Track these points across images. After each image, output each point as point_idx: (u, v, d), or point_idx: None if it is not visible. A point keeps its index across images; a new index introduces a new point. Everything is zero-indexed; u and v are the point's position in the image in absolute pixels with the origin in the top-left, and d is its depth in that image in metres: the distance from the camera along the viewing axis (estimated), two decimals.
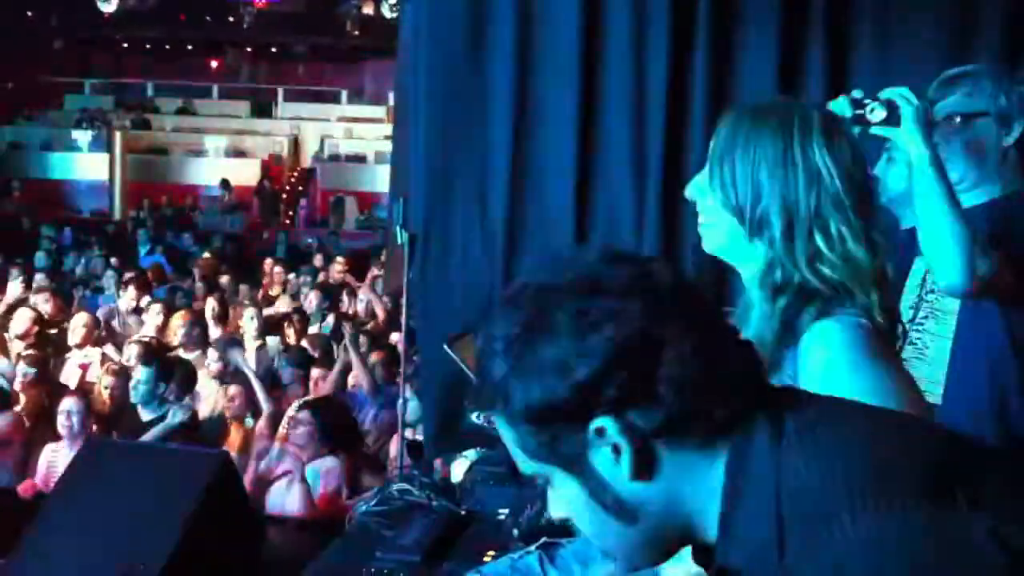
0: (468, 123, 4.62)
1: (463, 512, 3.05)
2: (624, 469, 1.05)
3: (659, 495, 1.07)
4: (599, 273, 1.07)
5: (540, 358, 1.04)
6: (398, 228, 4.72)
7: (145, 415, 5.45)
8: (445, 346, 3.83)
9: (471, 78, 4.57)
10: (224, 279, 11.01)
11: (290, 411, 5.92)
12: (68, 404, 5.51)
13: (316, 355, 7.15)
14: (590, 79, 4.50)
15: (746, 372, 1.10)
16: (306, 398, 6.13)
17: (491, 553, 2.55)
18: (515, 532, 2.76)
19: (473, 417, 3.90)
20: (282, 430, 5.86)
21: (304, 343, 7.57)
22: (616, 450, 1.04)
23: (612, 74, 4.50)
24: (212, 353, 6.71)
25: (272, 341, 7.73)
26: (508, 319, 1.08)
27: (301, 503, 5.06)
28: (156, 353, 6.27)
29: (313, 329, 8.35)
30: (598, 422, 1.03)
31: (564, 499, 1.12)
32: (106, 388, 6.16)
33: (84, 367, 7.10)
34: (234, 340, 7.20)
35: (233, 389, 6.22)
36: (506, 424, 1.10)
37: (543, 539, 2.49)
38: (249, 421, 6.19)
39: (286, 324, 8.16)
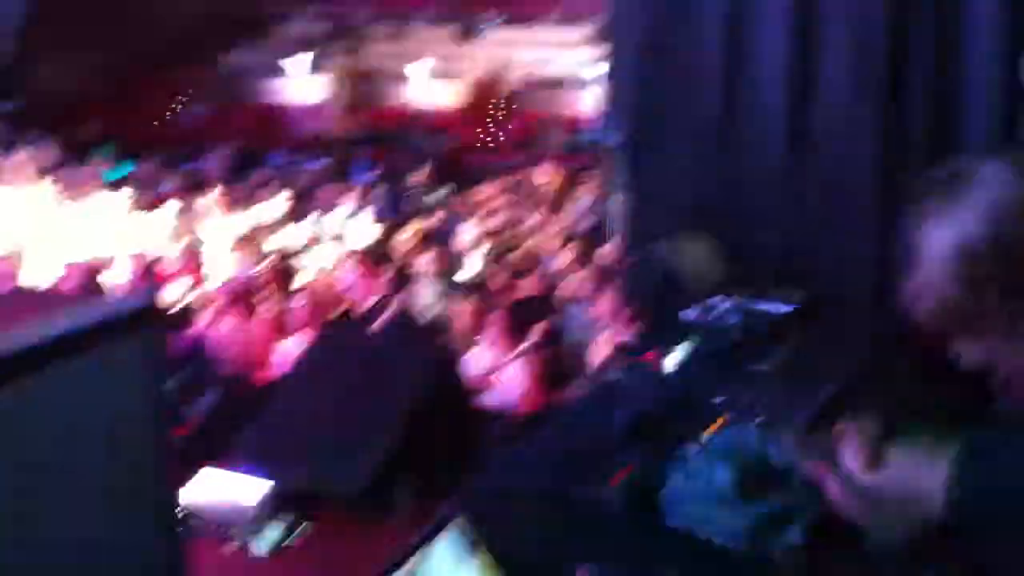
0: (678, 31, 4.60)
1: (676, 399, 3.11)
2: (862, 464, 1.40)
3: (894, 483, 1.38)
4: None
5: None
6: (608, 136, 4.79)
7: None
8: (659, 241, 3.90)
9: None
10: (434, 197, 11.36)
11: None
12: (301, 306, 5.93)
13: (525, 265, 7.34)
14: None
15: None
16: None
17: (706, 431, 2.60)
18: (731, 416, 2.81)
19: (686, 312, 3.98)
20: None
21: (516, 252, 7.77)
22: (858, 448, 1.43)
23: None
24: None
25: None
26: None
27: (502, 397, 5.26)
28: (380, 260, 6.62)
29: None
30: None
31: (829, 488, 1.45)
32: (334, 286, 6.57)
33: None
34: None
35: (466, 304, 6.43)
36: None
37: (760, 417, 2.54)
38: None
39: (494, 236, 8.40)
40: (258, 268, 7.30)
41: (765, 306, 3.90)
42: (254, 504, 2.73)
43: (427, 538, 1.63)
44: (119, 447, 1.25)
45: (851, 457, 1.40)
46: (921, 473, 1.37)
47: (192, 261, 7.69)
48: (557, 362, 5.53)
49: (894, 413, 1.44)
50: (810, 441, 1.50)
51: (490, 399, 5.27)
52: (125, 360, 1.27)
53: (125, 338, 1.28)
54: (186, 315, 6.79)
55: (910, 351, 2.45)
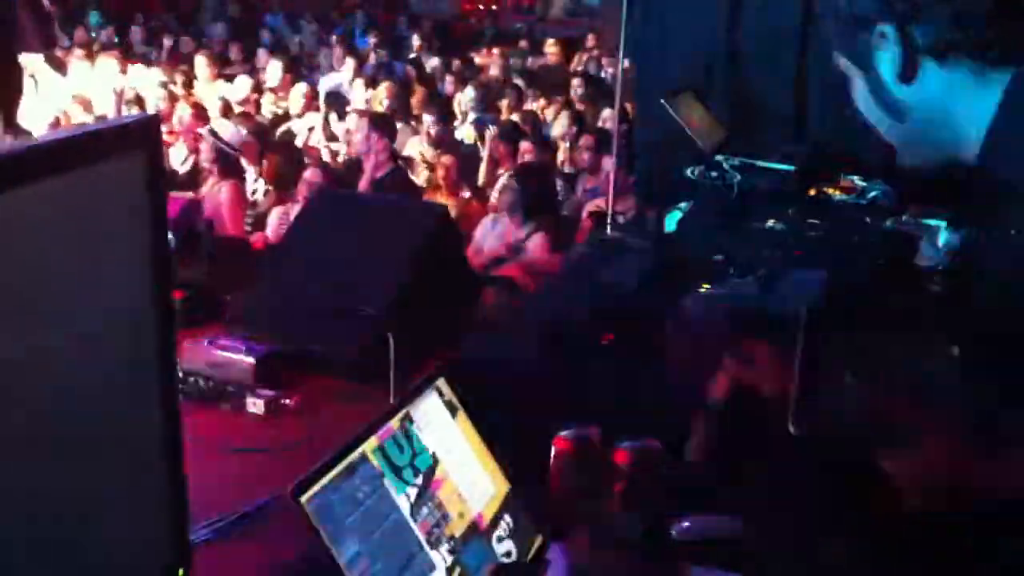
0: None
1: (677, 255, 3.06)
2: (897, 72, 1.25)
3: (927, 102, 1.25)
4: None
5: None
6: None
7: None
8: (663, 100, 3.78)
9: None
10: (434, 62, 11.13)
11: (502, 180, 6.03)
12: (310, 174, 5.82)
13: (527, 130, 7.21)
14: None
15: None
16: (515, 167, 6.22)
17: (707, 285, 2.56)
18: (731, 270, 2.77)
19: (688, 172, 3.89)
20: (493, 200, 5.98)
21: (515, 117, 7.63)
22: (893, 56, 1.24)
23: None
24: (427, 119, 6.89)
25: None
26: None
27: (512, 266, 5.20)
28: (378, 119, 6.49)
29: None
30: (882, 28, 1.24)
31: (858, 93, 1.34)
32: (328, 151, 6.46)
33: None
34: None
35: (447, 159, 6.32)
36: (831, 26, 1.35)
37: (761, 270, 2.49)
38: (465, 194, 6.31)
39: (500, 100, 8.25)
40: (254, 134, 7.18)
41: (767, 164, 3.81)
42: (250, 366, 2.71)
43: (414, 394, 1.59)
44: (115, 266, 1.18)
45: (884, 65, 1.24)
46: (964, 96, 1.19)
47: (188, 127, 7.56)
48: (560, 229, 5.46)
49: None
50: None
51: (502, 269, 5.21)
52: (126, 173, 1.19)
53: (126, 150, 1.19)
54: (183, 180, 6.72)
55: None
